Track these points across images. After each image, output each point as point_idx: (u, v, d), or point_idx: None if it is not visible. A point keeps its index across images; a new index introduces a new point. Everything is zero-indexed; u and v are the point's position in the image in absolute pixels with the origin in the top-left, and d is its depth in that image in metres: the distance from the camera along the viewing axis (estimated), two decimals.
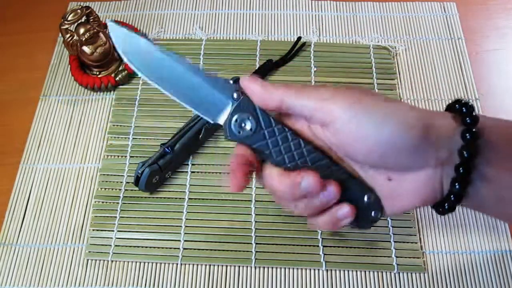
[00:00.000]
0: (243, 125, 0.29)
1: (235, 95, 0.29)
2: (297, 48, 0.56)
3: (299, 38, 0.57)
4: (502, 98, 0.54)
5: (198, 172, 0.49)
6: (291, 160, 0.29)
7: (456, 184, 0.27)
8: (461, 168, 0.27)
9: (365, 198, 0.30)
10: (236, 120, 0.29)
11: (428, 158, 0.27)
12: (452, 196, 0.28)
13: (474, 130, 0.27)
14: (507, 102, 0.54)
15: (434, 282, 0.43)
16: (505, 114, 0.53)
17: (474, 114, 0.28)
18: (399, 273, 0.43)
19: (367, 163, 0.29)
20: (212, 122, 0.30)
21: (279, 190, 0.29)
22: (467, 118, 0.27)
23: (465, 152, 0.26)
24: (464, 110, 0.28)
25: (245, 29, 0.59)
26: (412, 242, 0.45)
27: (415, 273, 0.43)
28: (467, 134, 0.27)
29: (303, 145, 0.29)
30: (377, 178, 0.29)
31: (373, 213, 0.30)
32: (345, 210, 0.30)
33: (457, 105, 0.29)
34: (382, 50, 0.57)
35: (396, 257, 0.44)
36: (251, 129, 0.29)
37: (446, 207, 0.28)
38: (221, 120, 0.30)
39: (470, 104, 0.29)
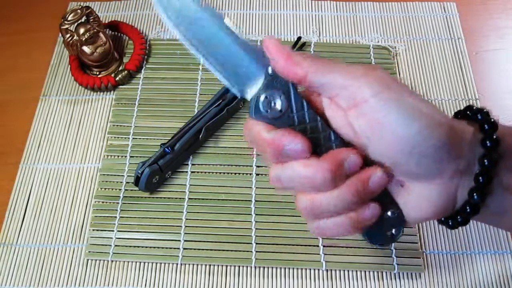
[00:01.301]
0: (272, 104, 0.26)
1: (269, 70, 0.26)
2: (297, 48, 0.56)
3: (299, 38, 0.57)
4: (502, 98, 0.54)
5: (198, 172, 0.49)
6: (318, 152, 0.26)
7: (475, 194, 0.25)
8: (481, 177, 0.25)
9: (389, 213, 0.27)
10: (266, 97, 0.26)
11: (447, 166, 0.25)
12: (468, 207, 0.26)
13: (494, 136, 0.25)
14: (507, 102, 0.54)
15: (433, 282, 0.43)
16: (505, 114, 0.53)
17: (492, 120, 0.26)
18: (399, 273, 0.43)
19: (384, 157, 0.26)
20: (239, 96, 0.27)
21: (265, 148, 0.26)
22: (485, 125, 0.26)
23: (486, 161, 0.25)
24: (480, 117, 0.26)
25: (245, 29, 0.59)
26: (412, 242, 0.44)
27: (415, 273, 0.43)
28: (488, 142, 0.25)
29: (333, 139, 0.27)
30: (390, 184, 0.27)
31: (394, 230, 0.27)
32: (372, 208, 0.26)
33: (468, 112, 0.27)
34: (382, 50, 0.57)
35: (396, 257, 0.44)
36: (280, 110, 0.26)
37: (460, 219, 0.26)
38: (249, 95, 0.27)
39: (485, 110, 0.27)
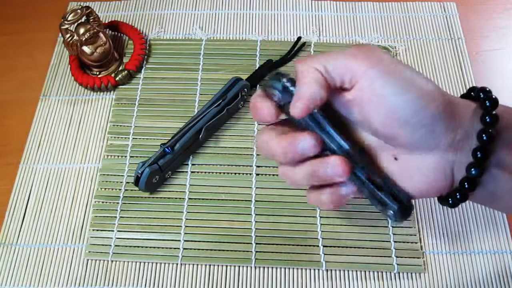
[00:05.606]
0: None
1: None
2: (297, 48, 0.56)
3: (299, 38, 0.57)
4: (502, 98, 0.54)
5: (198, 172, 0.49)
6: (324, 150, 0.29)
7: (473, 169, 0.26)
8: (478, 152, 0.26)
9: (389, 213, 0.29)
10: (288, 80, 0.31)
11: (442, 138, 0.26)
12: (466, 183, 0.27)
13: (494, 113, 0.26)
14: (507, 102, 0.53)
15: (434, 282, 0.43)
16: None
17: (493, 97, 0.27)
18: (399, 273, 0.43)
19: (379, 133, 0.28)
20: None
21: (277, 153, 0.29)
22: (487, 102, 0.27)
23: (484, 135, 0.26)
24: (482, 96, 0.28)
25: (245, 29, 0.59)
26: (412, 242, 0.45)
27: (415, 273, 0.43)
28: (487, 117, 0.26)
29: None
30: (383, 156, 0.29)
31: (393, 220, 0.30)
32: (349, 189, 0.29)
33: (472, 93, 0.29)
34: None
35: (396, 257, 0.44)
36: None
37: (458, 196, 0.27)
38: None
39: (487, 89, 0.28)
